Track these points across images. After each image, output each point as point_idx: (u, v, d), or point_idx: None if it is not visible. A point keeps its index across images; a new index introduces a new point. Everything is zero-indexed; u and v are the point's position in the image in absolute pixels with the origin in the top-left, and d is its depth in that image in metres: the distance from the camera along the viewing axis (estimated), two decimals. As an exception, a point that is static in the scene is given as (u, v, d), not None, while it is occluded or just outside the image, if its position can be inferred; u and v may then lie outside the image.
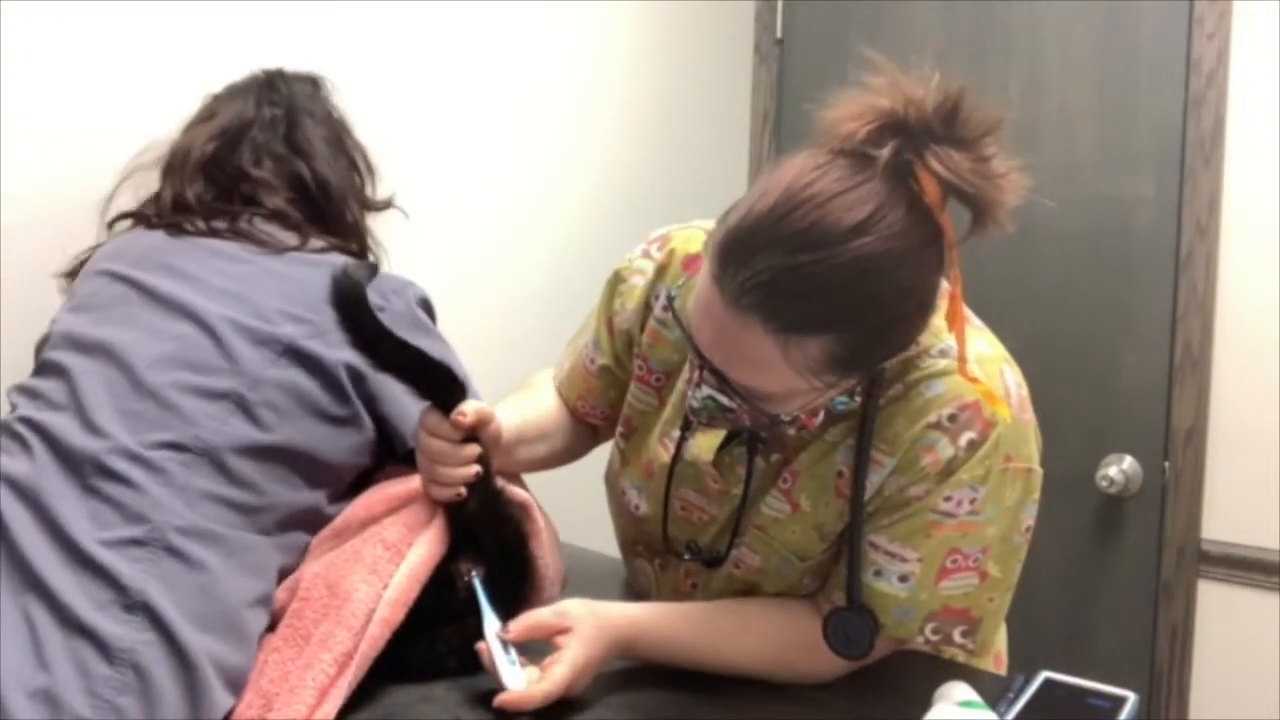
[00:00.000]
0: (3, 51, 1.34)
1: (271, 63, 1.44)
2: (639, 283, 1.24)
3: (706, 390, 1.00)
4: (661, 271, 1.22)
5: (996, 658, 1.29)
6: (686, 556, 1.20)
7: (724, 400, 1.00)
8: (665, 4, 2.26)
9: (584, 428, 1.36)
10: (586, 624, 1.03)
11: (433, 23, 1.85)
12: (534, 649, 1.05)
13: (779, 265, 0.89)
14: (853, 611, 1.07)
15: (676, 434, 1.19)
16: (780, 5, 2.46)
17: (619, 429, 1.27)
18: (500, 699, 0.97)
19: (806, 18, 2.44)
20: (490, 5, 1.93)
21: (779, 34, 2.47)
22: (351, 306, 1.02)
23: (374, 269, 1.10)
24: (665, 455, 1.20)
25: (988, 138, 0.94)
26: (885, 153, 0.92)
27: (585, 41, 2.12)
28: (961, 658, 1.12)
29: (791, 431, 1.08)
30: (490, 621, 1.03)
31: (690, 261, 1.20)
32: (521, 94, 2.01)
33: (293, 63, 1.44)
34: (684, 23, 2.30)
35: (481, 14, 1.92)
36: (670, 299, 1.15)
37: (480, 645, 1.02)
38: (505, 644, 1.01)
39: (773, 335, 0.91)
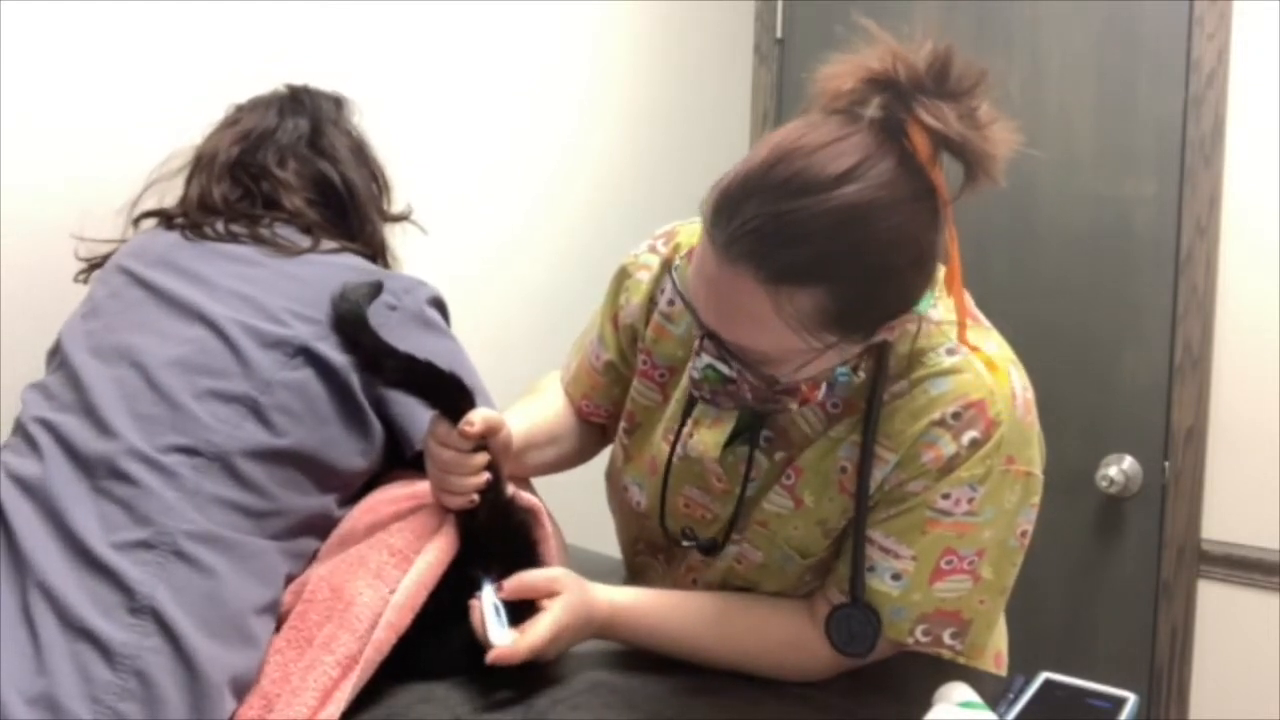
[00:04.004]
0: (4, 54, 1.34)
1: (273, 63, 1.44)
2: (644, 278, 1.24)
3: (706, 359, 1.01)
4: (667, 265, 1.23)
5: (997, 657, 1.29)
6: (684, 543, 1.20)
7: (723, 369, 1.00)
8: (665, 4, 2.26)
9: (592, 428, 1.36)
10: (573, 593, 1.06)
11: (432, 23, 1.85)
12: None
13: (767, 212, 0.90)
14: (856, 608, 1.07)
15: (679, 426, 1.19)
16: (780, 5, 2.46)
17: (622, 424, 1.28)
18: (492, 655, 1.00)
19: (806, 18, 2.45)
20: (490, 6, 1.93)
21: (779, 34, 2.47)
22: (351, 328, 1.02)
23: (377, 288, 1.10)
24: (668, 448, 1.20)
25: (977, 89, 0.96)
26: (874, 107, 0.94)
27: (585, 42, 2.12)
28: (948, 656, 1.12)
29: (794, 407, 1.06)
30: (488, 592, 1.05)
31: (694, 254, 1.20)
32: (521, 95, 2.01)
33: (292, 59, 1.45)
34: (684, 23, 2.30)
35: (481, 15, 1.92)
36: (673, 271, 1.14)
37: (472, 603, 1.04)
38: (496, 608, 1.04)
39: (764, 286, 0.91)
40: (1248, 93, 1.91)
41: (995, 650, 1.29)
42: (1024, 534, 1.09)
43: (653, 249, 1.25)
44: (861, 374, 1.07)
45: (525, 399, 1.35)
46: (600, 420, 1.34)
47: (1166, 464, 2.01)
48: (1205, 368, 1.96)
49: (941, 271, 1.02)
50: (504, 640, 1.01)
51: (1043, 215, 2.15)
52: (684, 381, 1.19)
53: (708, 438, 1.16)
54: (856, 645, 1.07)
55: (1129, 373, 2.06)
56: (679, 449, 1.18)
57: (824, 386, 1.05)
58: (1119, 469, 2.05)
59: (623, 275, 1.27)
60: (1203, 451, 1.97)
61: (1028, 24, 2.16)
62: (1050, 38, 2.14)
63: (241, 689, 0.98)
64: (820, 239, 0.90)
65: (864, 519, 1.07)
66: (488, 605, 1.03)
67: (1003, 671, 1.27)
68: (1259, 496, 1.91)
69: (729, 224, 0.92)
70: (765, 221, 0.90)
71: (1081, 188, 2.11)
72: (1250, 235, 1.92)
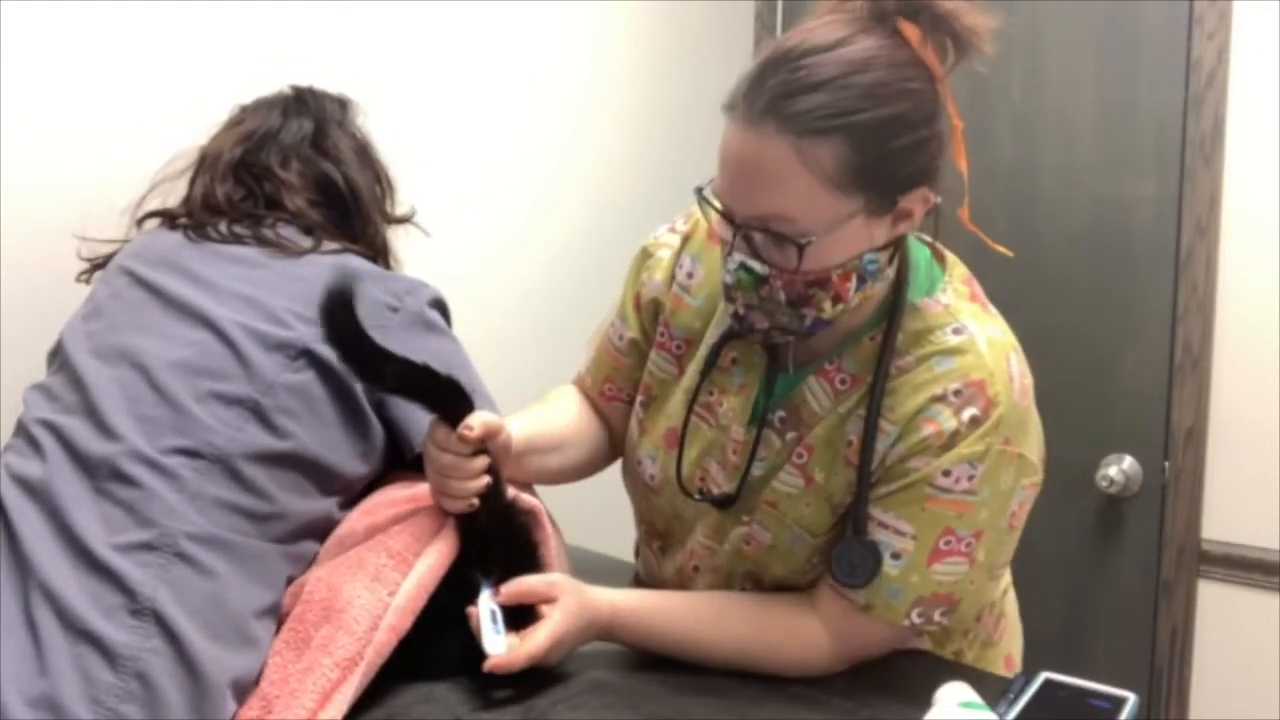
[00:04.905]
0: (4, 54, 1.34)
1: (273, 64, 1.44)
2: (665, 255, 1.27)
3: (738, 259, 1.05)
4: (687, 241, 1.26)
5: (1008, 660, 1.31)
6: (697, 497, 1.20)
7: (756, 267, 1.04)
8: (665, 4, 2.26)
9: (603, 435, 1.34)
10: (571, 598, 1.07)
11: (431, 23, 1.85)
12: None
13: (781, 74, 1.00)
14: (857, 541, 1.10)
15: (696, 389, 1.20)
16: (780, 5, 2.46)
17: (639, 398, 1.28)
18: (488, 664, 1.01)
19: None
20: (490, 6, 1.93)
21: (779, 34, 2.47)
22: (345, 334, 1.02)
23: (353, 288, 1.08)
24: (687, 411, 1.20)
25: None
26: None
27: (585, 42, 2.12)
28: (933, 630, 1.15)
29: (827, 307, 1.06)
30: (485, 596, 1.05)
31: (714, 232, 1.21)
32: (520, 95, 2.01)
33: (292, 60, 1.45)
34: (684, 22, 2.30)
35: (480, 15, 1.92)
36: (699, 190, 1.13)
37: (470, 610, 1.04)
38: (494, 614, 1.04)
39: (788, 140, 0.99)
40: (1248, 93, 1.91)
41: (1006, 653, 1.30)
42: (1014, 515, 1.11)
43: (673, 229, 1.29)
44: (890, 273, 1.11)
45: (533, 406, 1.34)
46: (621, 403, 1.33)
47: (1166, 464, 2.01)
48: (1205, 368, 1.96)
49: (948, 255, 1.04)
50: (499, 649, 1.01)
51: (1043, 215, 2.15)
52: (700, 352, 1.21)
53: (735, 404, 1.18)
54: (857, 576, 1.09)
55: (1129, 373, 2.06)
56: (712, 419, 1.19)
57: (854, 281, 1.06)
58: (1119, 469, 2.05)
59: (644, 255, 1.30)
60: (1203, 451, 1.97)
61: (1028, 25, 2.16)
62: (1050, 38, 2.13)
63: (242, 691, 0.99)
64: (831, 86, 0.99)
65: (869, 466, 1.09)
66: (484, 611, 1.03)
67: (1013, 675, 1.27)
68: (1259, 496, 1.91)
69: (750, 95, 1.01)
70: (780, 83, 1.00)
71: (1081, 188, 2.11)
72: (1250, 235, 1.91)
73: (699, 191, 1.10)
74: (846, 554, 1.10)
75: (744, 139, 1.01)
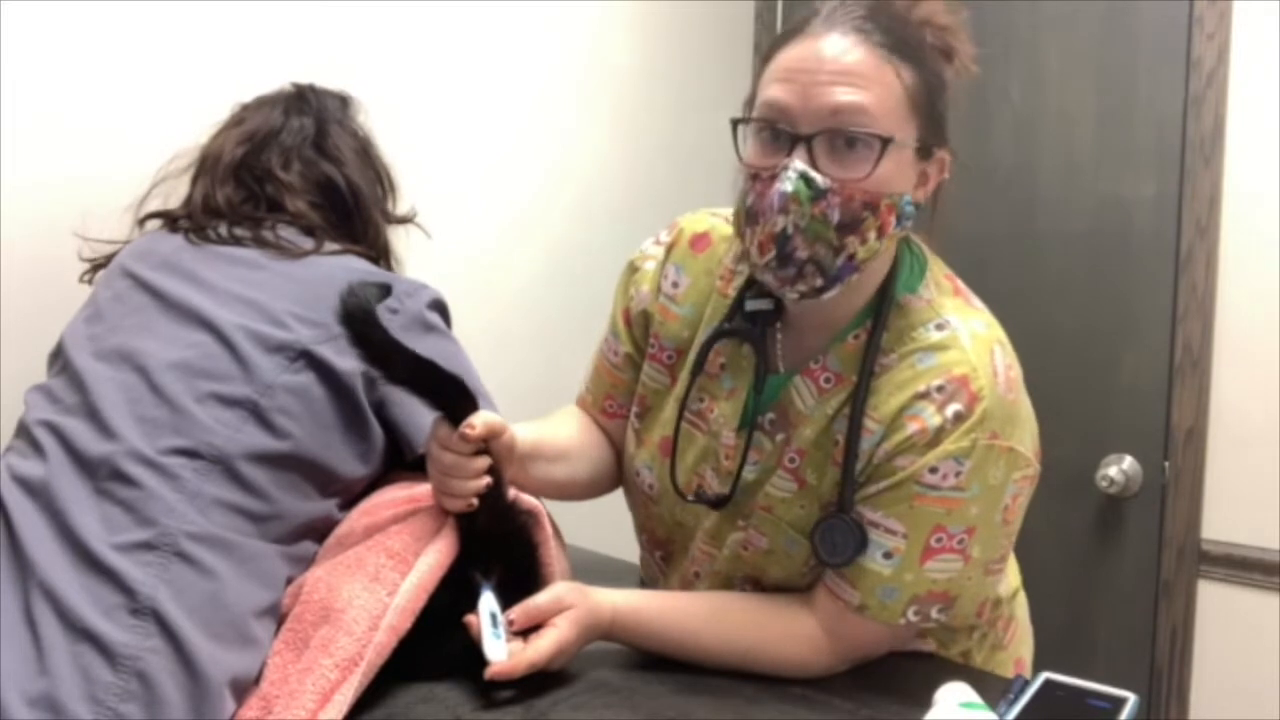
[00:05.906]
0: (5, 53, 1.34)
1: (272, 63, 1.44)
2: (651, 267, 1.28)
3: (799, 168, 1.04)
4: (670, 251, 1.27)
5: (1018, 663, 1.30)
6: (690, 498, 1.21)
7: (818, 179, 1.04)
8: (665, 4, 2.26)
9: (608, 453, 1.34)
10: (580, 608, 1.07)
11: (430, 22, 1.85)
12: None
13: (851, 7, 1.08)
14: (840, 519, 1.10)
15: (685, 393, 1.20)
16: (780, 5, 2.46)
17: (634, 409, 1.29)
18: (490, 671, 1.00)
19: (806, 18, 2.44)
20: (489, 6, 1.93)
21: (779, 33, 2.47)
22: (361, 323, 1.02)
23: (386, 289, 1.10)
24: (677, 419, 1.21)
25: None
26: None
27: (584, 41, 2.12)
28: (933, 627, 1.15)
29: (872, 238, 1.06)
30: (485, 599, 1.05)
31: (697, 240, 1.24)
32: (518, 94, 2.01)
33: (290, 59, 1.45)
34: (684, 23, 2.30)
35: (480, 15, 1.92)
36: (735, 121, 1.16)
37: (470, 618, 1.04)
38: (494, 617, 1.03)
39: (875, 49, 1.05)
40: (1248, 93, 1.91)
41: (1016, 656, 1.30)
42: (1008, 509, 1.11)
43: (657, 241, 1.29)
44: (878, 267, 1.12)
45: (537, 420, 1.33)
46: (623, 419, 1.33)
47: (1166, 464, 2.01)
48: (1205, 368, 1.96)
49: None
50: (499, 655, 1.01)
51: (1043, 215, 2.15)
52: (690, 359, 1.21)
53: (725, 409, 1.18)
54: (838, 554, 1.10)
55: (1129, 373, 2.06)
56: (704, 425, 1.20)
57: (895, 218, 1.08)
58: (1119, 469, 2.05)
59: (630, 270, 1.31)
60: (1203, 451, 1.97)
61: (1028, 25, 2.16)
62: (1050, 38, 2.14)
63: (242, 690, 0.99)
64: (900, 28, 1.08)
65: (852, 472, 1.09)
66: (484, 615, 1.03)
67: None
68: (1259, 496, 1.91)
69: (823, 16, 1.07)
70: (854, 11, 1.07)
71: (1082, 188, 2.11)
72: (1250, 235, 1.91)
73: (735, 122, 1.12)
74: (829, 532, 1.10)
75: (828, 40, 1.05)
